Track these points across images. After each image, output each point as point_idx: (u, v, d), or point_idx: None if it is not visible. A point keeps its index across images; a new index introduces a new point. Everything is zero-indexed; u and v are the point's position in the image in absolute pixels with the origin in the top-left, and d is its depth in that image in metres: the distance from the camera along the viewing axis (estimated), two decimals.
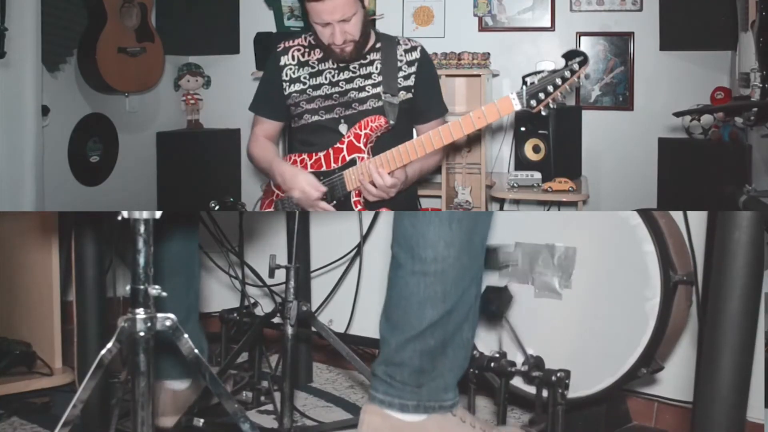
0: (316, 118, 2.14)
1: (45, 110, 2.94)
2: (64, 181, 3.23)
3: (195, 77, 3.93)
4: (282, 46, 2.21)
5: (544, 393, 1.75)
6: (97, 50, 3.08)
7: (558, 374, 1.70)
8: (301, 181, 2.03)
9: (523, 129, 3.19)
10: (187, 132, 3.93)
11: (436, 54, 3.29)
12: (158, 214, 1.35)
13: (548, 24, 3.50)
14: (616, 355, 1.73)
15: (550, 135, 3.11)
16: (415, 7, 3.65)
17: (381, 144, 2.06)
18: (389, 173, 1.97)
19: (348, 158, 2.06)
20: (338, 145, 2.08)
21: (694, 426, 1.43)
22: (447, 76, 3.25)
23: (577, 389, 1.76)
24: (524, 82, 1.86)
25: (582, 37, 3.46)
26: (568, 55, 1.85)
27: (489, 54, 3.25)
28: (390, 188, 1.97)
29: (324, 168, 2.10)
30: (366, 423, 1.54)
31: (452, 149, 3.25)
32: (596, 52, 3.46)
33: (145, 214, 1.33)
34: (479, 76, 3.22)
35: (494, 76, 3.38)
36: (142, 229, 1.32)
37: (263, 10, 3.82)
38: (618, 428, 1.94)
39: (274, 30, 3.75)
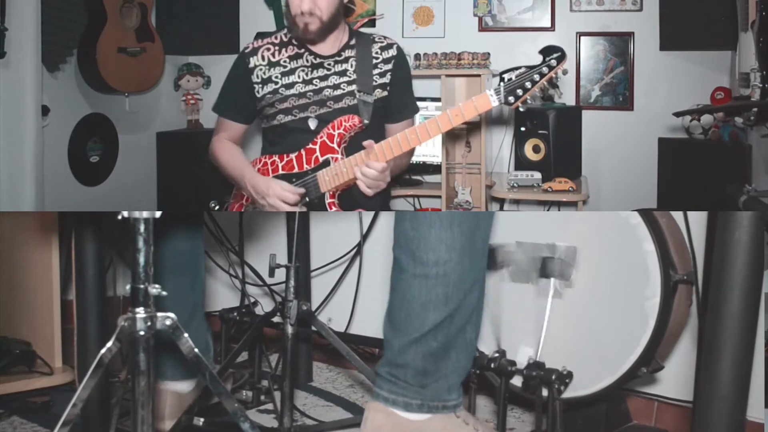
0: (289, 118, 2.06)
1: (45, 110, 2.94)
2: (64, 181, 3.23)
3: (195, 77, 3.93)
4: (250, 46, 2.12)
5: (545, 392, 1.75)
6: (97, 50, 3.08)
7: (558, 373, 1.70)
8: (276, 188, 1.97)
9: (523, 129, 3.19)
10: (187, 132, 3.93)
11: (436, 54, 3.29)
12: (158, 214, 1.35)
13: (548, 24, 3.50)
14: (616, 354, 1.73)
15: (550, 135, 3.11)
16: (415, 7, 3.65)
17: (354, 143, 2.01)
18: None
19: (321, 159, 2.01)
20: (310, 145, 2.03)
21: (694, 425, 1.43)
22: (447, 76, 3.25)
23: (577, 388, 1.76)
24: (501, 79, 1.84)
25: (582, 37, 3.46)
26: (546, 51, 1.82)
27: (489, 54, 3.25)
28: (383, 173, 1.92)
29: (296, 170, 2.04)
30: (370, 420, 1.55)
31: (452, 149, 3.26)
32: (596, 52, 3.46)
33: (145, 214, 1.33)
34: (479, 76, 3.22)
35: (494, 76, 3.38)
36: (142, 228, 1.32)
37: (263, 10, 3.82)
38: (618, 428, 1.94)
39: (274, 30, 3.74)
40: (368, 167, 1.89)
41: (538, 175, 3.10)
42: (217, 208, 3.11)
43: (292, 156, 2.05)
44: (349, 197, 2.05)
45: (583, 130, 3.28)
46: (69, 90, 3.23)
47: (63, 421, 1.31)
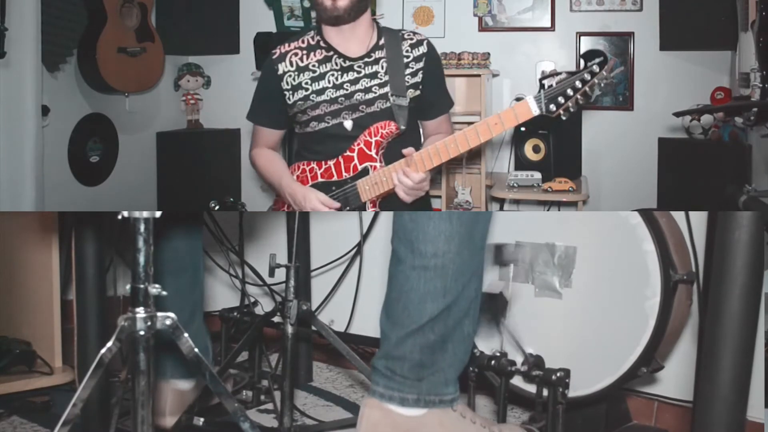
0: (322, 125, 2.02)
1: (45, 110, 2.94)
2: (64, 181, 3.23)
3: (195, 77, 3.93)
4: (278, 52, 2.06)
5: (545, 392, 1.75)
6: (97, 50, 3.08)
7: (558, 373, 1.70)
8: (314, 201, 1.95)
9: (523, 129, 3.19)
10: (187, 132, 3.94)
11: None
12: (158, 214, 1.35)
13: (548, 24, 3.50)
14: (616, 354, 1.73)
15: (550, 135, 3.12)
16: (415, 7, 3.66)
17: (391, 147, 1.98)
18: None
19: (360, 167, 1.97)
20: (348, 153, 1.99)
21: (694, 425, 1.43)
22: (447, 76, 3.24)
23: (577, 388, 1.76)
24: (541, 85, 1.75)
25: (582, 37, 3.46)
26: (587, 56, 1.78)
27: (489, 54, 3.26)
28: (423, 183, 1.89)
29: (335, 177, 2.01)
30: (366, 417, 1.54)
31: None
32: None
33: (145, 214, 1.33)
34: (479, 76, 3.22)
35: (494, 76, 3.39)
36: (142, 228, 1.32)
37: (263, 10, 3.82)
38: (618, 427, 1.94)
39: (274, 30, 3.75)
40: (407, 177, 1.86)
41: (538, 175, 3.10)
42: (217, 208, 3.12)
43: (330, 163, 2.01)
44: (391, 205, 2.02)
45: (583, 130, 3.28)
46: (69, 90, 3.23)
47: (63, 420, 1.31)
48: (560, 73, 1.74)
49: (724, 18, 2.87)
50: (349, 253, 2.46)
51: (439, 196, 3.29)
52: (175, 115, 3.96)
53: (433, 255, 1.47)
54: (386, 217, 2.35)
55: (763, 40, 2.11)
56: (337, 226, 2.50)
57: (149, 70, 3.37)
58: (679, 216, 1.80)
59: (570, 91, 1.72)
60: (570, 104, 1.73)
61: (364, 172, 1.97)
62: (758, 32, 2.13)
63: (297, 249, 1.89)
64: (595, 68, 1.72)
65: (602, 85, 1.73)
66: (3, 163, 2.69)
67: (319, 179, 2.03)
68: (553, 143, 3.10)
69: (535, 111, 1.75)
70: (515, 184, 3.11)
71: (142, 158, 3.72)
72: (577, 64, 3.45)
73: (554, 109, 1.74)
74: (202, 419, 1.78)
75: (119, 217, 1.33)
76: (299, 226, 2.01)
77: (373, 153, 1.96)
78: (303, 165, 2.08)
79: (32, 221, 2.30)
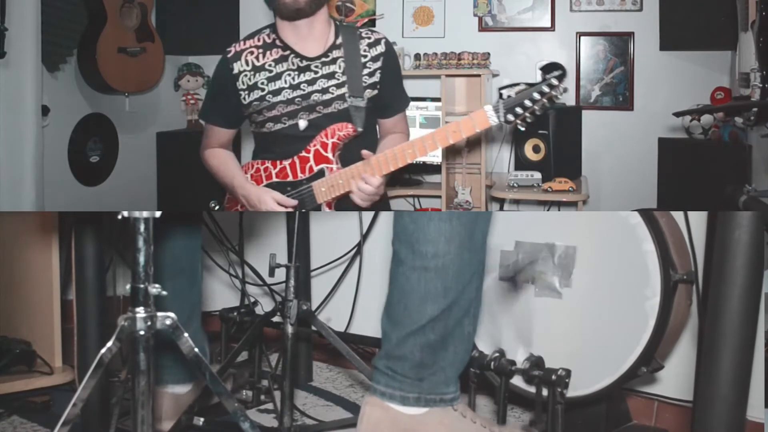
0: (279, 126, 1.98)
1: (45, 110, 2.94)
2: (64, 181, 3.23)
3: (195, 77, 3.93)
4: (233, 50, 1.99)
5: (545, 392, 1.75)
6: (97, 50, 3.08)
7: (558, 373, 1.70)
8: (269, 201, 1.93)
9: (522, 129, 3.17)
10: (187, 132, 3.94)
11: (436, 54, 3.29)
12: (158, 214, 1.35)
13: (548, 24, 3.50)
14: (616, 354, 1.73)
15: (550, 135, 3.11)
16: (415, 7, 3.66)
17: (346, 147, 1.96)
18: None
19: (316, 168, 1.95)
20: (304, 153, 1.96)
21: (694, 425, 1.43)
22: (447, 76, 3.26)
23: (577, 388, 1.76)
24: (500, 95, 1.79)
25: (582, 37, 3.46)
26: (546, 69, 1.79)
27: (489, 54, 3.26)
28: (380, 187, 1.88)
29: (290, 178, 1.98)
30: (367, 415, 1.55)
31: (452, 149, 3.26)
32: (596, 52, 3.46)
33: (145, 214, 1.33)
34: (479, 76, 3.22)
35: (494, 76, 3.39)
36: (142, 227, 1.32)
37: (263, 10, 3.81)
38: (618, 427, 1.93)
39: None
40: (365, 183, 1.85)
41: (538, 175, 3.10)
42: (217, 208, 3.12)
43: (286, 164, 1.98)
44: (345, 203, 2.00)
45: (583, 130, 3.28)
46: (69, 90, 3.23)
47: (63, 420, 1.31)
48: (519, 84, 1.78)
49: (724, 18, 2.87)
50: (349, 253, 2.46)
51: (439, 196, 3.29)
52: (175, 115, 3.96)
53: (433, 256, 1.47)
54: (386, 218, 2.35)
55: (763, 40, 2.11)
56: (337, 226, 2.50)
57: (149, 70, 3.37)
58: (678, 216, 1.80)
59: (528, 102, 1.75)
60: (527, 115, 1.77)
61: (320, 174, 1.94)
62: (758, 32, 2.13)
63: (297, 249, 1.89)
64: (554, 81, 1.74)
65: (558, 98, 1.77)
66: (3, 163, 2.69)
67: (274, 179, 2.00)
68: (553, 143, 3.10)
69: (493, 121, 1.78)
70: (515, 184, 3.11)
71: (142, 158, 3.72)
72: (578, 64, 3.46)
73: (512, 119, 1.77)
74: (202, 419, 1.78)
75: (119, 217, 1.33)
76: (299, 226, 2.01)
77: (329, 155, 1.94)
78: (257, 164, 2.04)
79: (32, 221, 2.30)
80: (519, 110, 1.76)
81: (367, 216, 2.41)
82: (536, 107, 1.75)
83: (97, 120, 3.39)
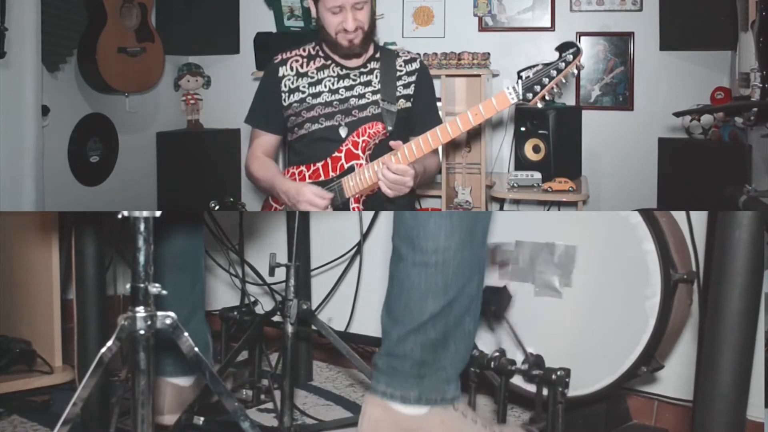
0: (316, 126, 2.11)
1: (45, 110, 2.94)
2: (64, 181, 3.23)
3: (195, 77, 3.93)
4: (279, 57, 2.18)
5: (545, 392, 1.75)
6: (97, 50, 3.08)
7: (558, 373, 1.70)
8: (307, 193, 2.00)
9: (523, 129, 3.20)
10: (187, 132, 3.94)
11: (436, 54, 3.29)
12: (158, 214, 1.35)
13: (548, 24, 3.51)
14: (617, 353, 1.73)
15: (550, 135, 3.11)
16: (415, 7, 3.66)
17: (379, 152, 2.04)
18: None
19: (346, 166, 2.05)
20: (336, 154, 2.07)
21: (694, 425, 1.43)
22: (447, 76, 3.26)
23: (577, 388, 1.76)
24: (519, 77, 1.87)
25: (582, 37, 3.46)
26: (561, 48, 1.87)
27: (489, 54, 3.26)
28: (404, 175, 1.92)
29: (322, 178, 2.08)
30: (367, 414, 1.54)
31: (452, 149, 3.26)
32: (596, 52, 3.46)
33: (145, 213, 1.33)
34: (479, 76, 3.22)
35: (494, 76, 3.39)
36: (142, 227, 1.33)
37: (263, 10, 3.82)
38: (618, 427, 1.94)
39: (274, 30, 3.75)
40: (388, 169, 1.92)
41: (538, 175, 3.10)
42: (217, 208, 3.12)
43: (319, 165, 2.09)
44: (374, 202, 2.09)
45: (583, 130, 3.28)
46: (69, 90, 3.23)
47: (63, 420, 1.31)
48: (537, 65, 1.86)
49: (724, 18, 2.87)
50: (349, 253, 2.46)
51: (439, 196, 3.29)
52: (175, 115, 3.96)
53: (434, 251, 1.47)
54: (386, 217, 2.35)
55: (763, 40, 2.11)
56: (337, 226, 2.50)
57: (149, 70, 3.37)
58: (679, 216, 1.80)
59: (546, 80, 1.84)
60: (545, 92, 1.85)
61: (350, 170, 2.04)
62: (758, 32, 2.13)
63: (297, 248, 1.89)
64: (569, 57, 1.84)
65: (575, 73, 1.87)
66: (3, 163, 2.69)
67: (307, 180, 2.09)
68: (553, 143, 3.10)
69: (513, 99, 1.86)
70: (515, 184, 3.11)
71: (142, 158, 3.72)
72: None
73: (531, 97, 1.86)
74: (202, 418, 1.78)
75: (119, 216, 1.33)
76: (299, 225, 2.01)
77: (359, 152, 2.03)
78: (292, 169, 2.16)
79: (32, 221, 2.30)
80: (537, 88, 1.85)
81: (367, 216, 2.42)
82: (554, 84, 1.84)
83: (97, 120, 3.39)
